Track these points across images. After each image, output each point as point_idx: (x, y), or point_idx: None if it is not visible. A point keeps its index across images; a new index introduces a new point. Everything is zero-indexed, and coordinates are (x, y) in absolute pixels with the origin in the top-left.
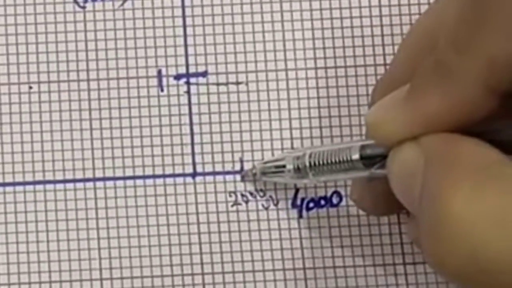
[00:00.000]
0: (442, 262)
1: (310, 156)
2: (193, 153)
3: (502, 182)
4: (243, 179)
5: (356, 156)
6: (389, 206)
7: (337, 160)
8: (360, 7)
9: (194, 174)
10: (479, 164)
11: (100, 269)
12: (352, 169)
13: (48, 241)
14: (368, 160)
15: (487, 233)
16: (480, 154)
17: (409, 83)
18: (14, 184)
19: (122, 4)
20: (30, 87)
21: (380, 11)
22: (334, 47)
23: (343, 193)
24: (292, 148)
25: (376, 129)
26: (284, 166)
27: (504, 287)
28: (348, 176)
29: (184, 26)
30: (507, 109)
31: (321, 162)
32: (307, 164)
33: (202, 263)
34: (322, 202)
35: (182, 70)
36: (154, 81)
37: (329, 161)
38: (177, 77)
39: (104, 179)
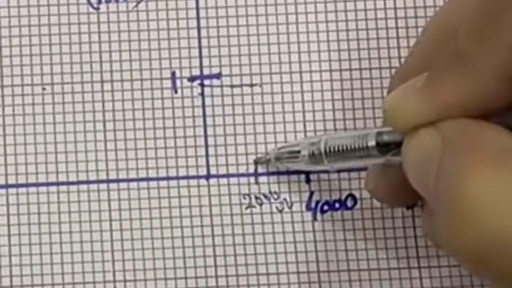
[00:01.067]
0: (460, 248)
1: (325, 143)
2: (207, 155)
3: None
4: (256, 164)
5: (372, 142)
6: (404, 196)
7: (352, 146)
8: (375, 9)
9: (208, 176)
10: (499, 148)
11: (114, 271)
12: (367, 156)
13: (61, 243)
14: (383, 147)
15: (506, 217)
16: (499, 139)
17: (428, 71)
18: (27, 185)
19: (136, 6)
20: (44, 89)
21: (396, 13)
22: (349, 50)
23: (357, 196)
24: None
25: (394, 115)
26: (299, 152)
27: None
28: (363, 162)
29: (198, 28)
30: None
31: (336, 149)
32: (323, 150)
33: (215, 266)
34: (337, 205)
35: (196, 72)
36: (168, 83)
37: (344, 147)
38: (191, 79)
39: (117, 181)
